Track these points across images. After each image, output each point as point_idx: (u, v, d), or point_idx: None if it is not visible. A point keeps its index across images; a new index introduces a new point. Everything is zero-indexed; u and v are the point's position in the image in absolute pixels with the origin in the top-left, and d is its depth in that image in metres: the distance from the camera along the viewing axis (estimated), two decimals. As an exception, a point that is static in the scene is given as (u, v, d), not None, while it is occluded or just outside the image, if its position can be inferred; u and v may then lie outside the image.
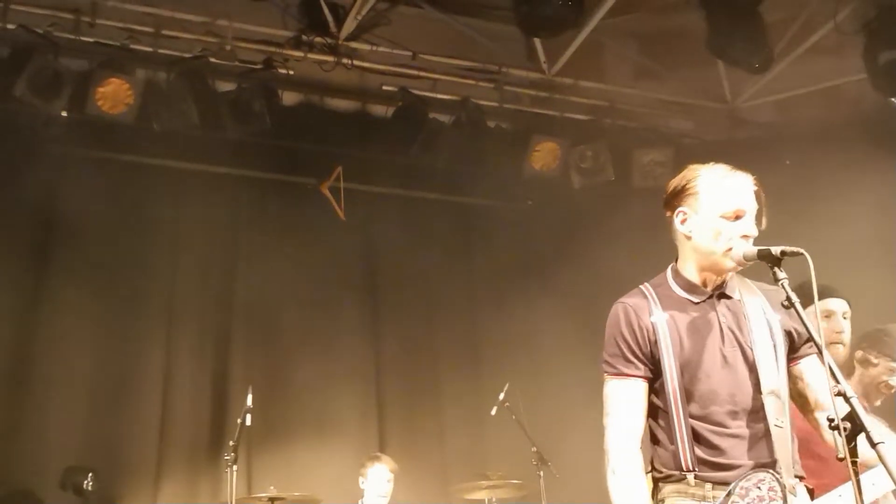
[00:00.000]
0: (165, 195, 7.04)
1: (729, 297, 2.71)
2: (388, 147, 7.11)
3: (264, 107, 6.48)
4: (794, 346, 2.69)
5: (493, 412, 6.36)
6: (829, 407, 2.61)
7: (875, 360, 3.72)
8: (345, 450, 6.72)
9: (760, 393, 2.57)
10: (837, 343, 3.71)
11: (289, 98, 7.05)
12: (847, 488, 2.42)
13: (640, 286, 2.79)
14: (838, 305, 3.77)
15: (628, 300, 2.75)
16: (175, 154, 6.84)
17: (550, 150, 7.23)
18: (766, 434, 2.55)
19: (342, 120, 7.30)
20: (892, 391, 3.73)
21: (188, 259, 7.03)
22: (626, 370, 2.66)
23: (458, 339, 7.68)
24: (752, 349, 2.62)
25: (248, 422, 5.37)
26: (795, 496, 2.50)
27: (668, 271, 2.79)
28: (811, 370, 2.70)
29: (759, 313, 2.68)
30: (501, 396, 6.33)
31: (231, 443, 5.44)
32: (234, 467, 5.37)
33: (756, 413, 2.57)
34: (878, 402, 3.77)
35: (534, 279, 7.76)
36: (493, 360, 7.45)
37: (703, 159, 2.77)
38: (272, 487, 5.81)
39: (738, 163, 2.75)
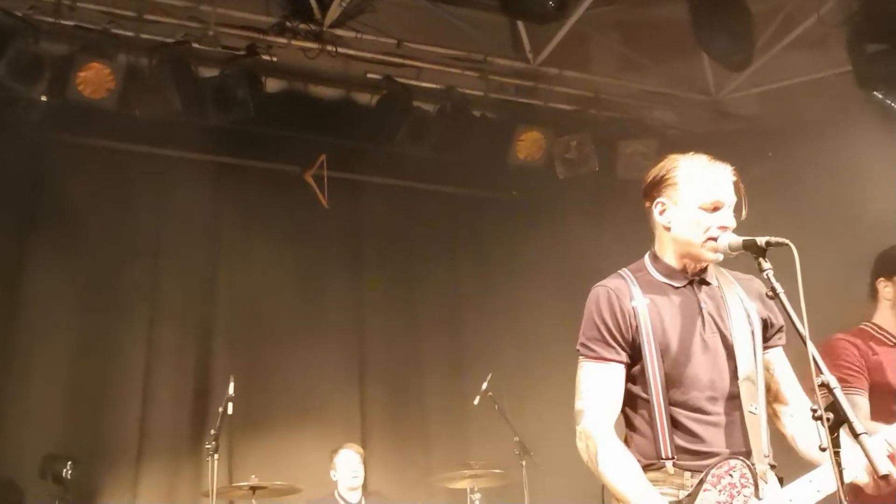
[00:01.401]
0: (147, 182, 7.00)
1: (708, 284, 2.71)
2: (373, 135, 7.08)
3: (247, 94, 6.42)
4: (766, 336, 2.69)
5: (476, 402, 6.37)
6: (790, 401, 2.67)
7: None
8: (327, 439, 6.71)
9: (737, 379, 2.57)
10: None
11: (272, 85, 6.99)
12: (817, 474, 2.42)
13: (619, 271, 2.76)
14: None
15: (609, 283, 2.71)
16: (157, 140, 6.79)
17: (535, 141, 7.22)
18: (742, 421, 2.55)
19: (326, 107, 7.26)
20: None
21: (170, 247, 6.99)
22: (605, 354, 2.61)
23: (442, 329, 7.68)
24: (730, 335, 2.61)
25: (230, 410, 5.37)
26: (767, 483, 2.50)
27: (647, 257, 2.77)
28: (776, 361, 2.71)
29: (737, 301, 2.68)
30: (484, 386, 6.33)
31: (212, 431, 5.43)
32: (216, 456, 5.37)
33: (733, 400, 2.57)
34: None
35: (518, 269, 7.76)
36: (477, 350, 7.46)
37: (687, 151, 2.75)
38: (253, 476, 5.79)
39: (722, 155, 2.73)
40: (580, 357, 2.68)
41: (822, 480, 2.37)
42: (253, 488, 5.72)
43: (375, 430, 7.29)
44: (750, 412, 2.54)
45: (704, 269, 2.71)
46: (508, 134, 7.20)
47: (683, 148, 2.81)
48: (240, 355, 6.92)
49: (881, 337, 3.62)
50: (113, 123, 6.42)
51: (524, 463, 6.18)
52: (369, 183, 7.68)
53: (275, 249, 7.06)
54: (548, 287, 7.58)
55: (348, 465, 6.30)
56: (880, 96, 6.10)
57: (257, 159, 7.32)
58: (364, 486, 6.59)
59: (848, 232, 5.87)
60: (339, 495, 6.31)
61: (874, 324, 3.69)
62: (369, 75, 7.07)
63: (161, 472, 6.57)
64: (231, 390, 5.36)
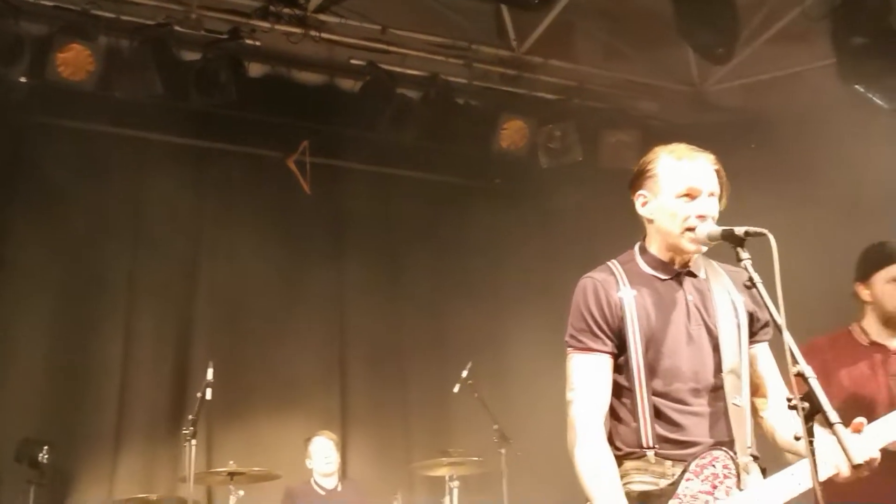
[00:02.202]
0: (128, 165, 6.94)
1: (695, 276, 2.71)
2: (356, 122, 7.04)
3: (230, 78, 6.38)
4: (751, 330, 2.70)
5: (456, 390, 6.37)
6: (772, 395, 2.69)
7: None
8: (306, 426, 6.71)
9: (721, 371, 2.59)
10: None
11: (255, 70, 6.94)
12: (799, 467, 2.43)
13: (608, 262, 2.77)
14: None
15: (596, 275, 2.72)
16: (137, 124, 6.73)
17: (518, 129, 7.21)
18: (725, 413, 2.57)
19: (309, 93, 7.22)
20: None
21: (150, 231, 6.95)
22: (592, 345, 2.63)
23: (423, 317, 7.68)
24: (716, 328, 2.63)
25: (209, 396, 5.34)
26: (749, 474, 2.52)
27: (636, 248, 2.78)
28: (761, 357, 2.73)
29: (724, 293, 2.69)
30: (464, 374, 6.34)
31: (191, 417, 5.41)
32: (193, 441, 5.33)
33: (716, 391, 2.59)
34: None
35: (500, 258, 7.77)
36: (457, 338, 7.47)
37: (670, 141, 2.75)
38: (232, 462, 5.79)
39: (704, 146, 2.73)
40: (568, 349, 2.69)
41: (804, 473, 2.37)
42: (231, 474, 5.71)
43: (355, 417, 7.29)
44: (734, 404, 2.56)
45: (691, 261, 2.71)
46: (492, 122, 7.18)
47: (667, 138, 2.81)
48: (219, 340, 6.89)
49: (859, 340, 3.69)
50: (93, 105, 6.35)
51: (503, 451, 6.19)
52: (352, 169, 7.65)
53: (256, 234, 7.03)
54: (530, 276, 7.60)
55: (321, 452, 6.30)
56: (861, 90, 6.13)
57: (239, 144, 7.27)
58: (343, 474, 6.59)
59: (829, 224, 5.91)
60: (315, 482, 6.31)
61: (860, 326, 3.75)
62: (353, 61, 7.02)
63: (138, 457, 6.55)
64: (210, 376, 5.33)
